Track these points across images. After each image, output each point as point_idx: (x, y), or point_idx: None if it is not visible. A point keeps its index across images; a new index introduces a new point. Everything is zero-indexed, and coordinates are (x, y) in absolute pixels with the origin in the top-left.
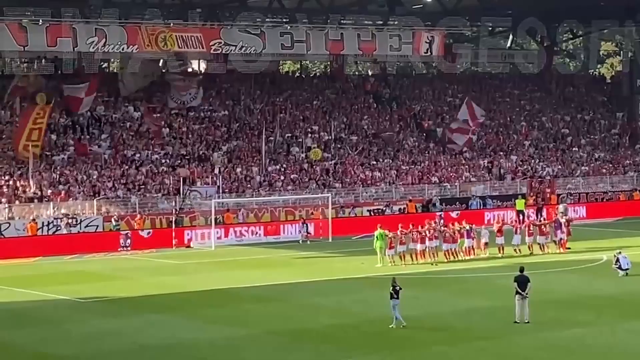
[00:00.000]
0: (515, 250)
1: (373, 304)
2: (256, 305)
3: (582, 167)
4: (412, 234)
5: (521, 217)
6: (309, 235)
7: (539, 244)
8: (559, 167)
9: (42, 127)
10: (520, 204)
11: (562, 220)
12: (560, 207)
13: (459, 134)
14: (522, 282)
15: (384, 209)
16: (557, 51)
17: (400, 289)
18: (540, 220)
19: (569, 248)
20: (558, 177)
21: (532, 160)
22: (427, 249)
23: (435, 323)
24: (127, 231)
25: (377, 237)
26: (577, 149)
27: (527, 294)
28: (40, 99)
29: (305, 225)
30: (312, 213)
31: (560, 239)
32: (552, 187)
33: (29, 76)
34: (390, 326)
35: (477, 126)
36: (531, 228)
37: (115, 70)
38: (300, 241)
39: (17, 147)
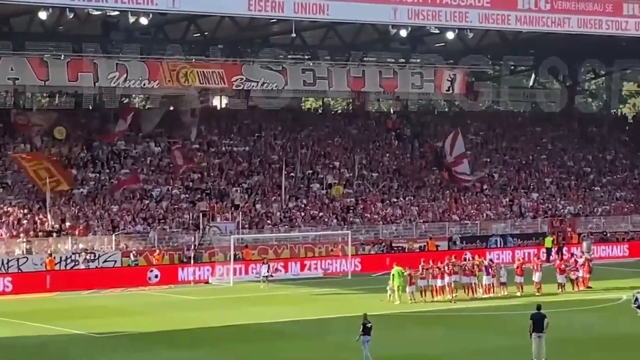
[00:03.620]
0: (536, 289)
1: (392, 341)
2: (276, 342)
3: (604, 206)
4: (433, 270)
5: (548, 256)
6: (269, 276)
7: (559, 283)
8: (580, 206)
9: (57, 162)
10: (548, 241)
11: (580, 260)
12: (584, 245)
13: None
14: (538, 319)
15: (405, 246)
16: (579, 90)
17: (371, 325)
18: (560, 259)
19: (590, 287)
20: (579, 216)
21: (553, 199)
22: (446, 285)
23: None
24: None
25: (393, 275)
26: (598, 188)
27: (544, 332)
28: (59, 134)
29: (267, 265)
30: (332, 250)
31: (577, 277)
32: (573, 226)
33: (48, 110)
34: None
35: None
36: (562, 267)
37: (136, 106)
38: (261, 282)
39: (38, 183)
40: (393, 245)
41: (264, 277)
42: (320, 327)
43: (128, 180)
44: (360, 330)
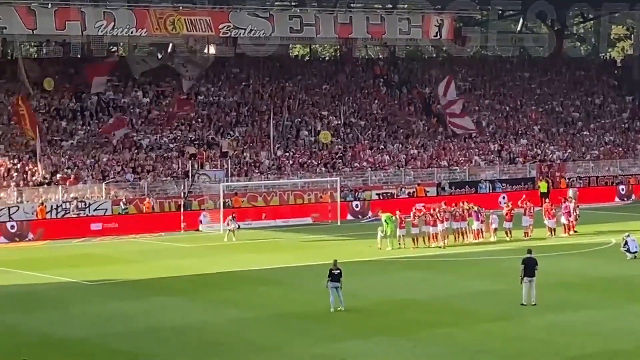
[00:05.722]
0: (525, 233)
1: (381, 286)
2: (264, 288)
3: (592, 151)
4: (426, 217)
5: (544, 200)
6: (234, 229)
7: (549, 227)
8: (569, 151)
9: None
10: (543, 186)
11: (571, 205)
12: (570, 192)
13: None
14: (529, 264)
15: (394, 192)
16: (568, 35)
17: (340, 272)
18: (549, 203)
19: (577, 231)
20: (567, 161)
21: (542, 144)
22: (439, 232)
23: (442, 305)
24: None
25: (385, 221)
26: (587, 132)
27: (535, 276)
28: (47, 84)
29: (233, 217)
30: (321, 197)
31: (569, 221)
32: (562, 171)
33: (36, 60)
34: (339, 309)
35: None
36: (551, 212)
37: (123, 54)
38: (226, 235)
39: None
40: (376, 193)
41: (229, 230)
42: (305, 273)
43: (113, 125)
44: (327, 276)
